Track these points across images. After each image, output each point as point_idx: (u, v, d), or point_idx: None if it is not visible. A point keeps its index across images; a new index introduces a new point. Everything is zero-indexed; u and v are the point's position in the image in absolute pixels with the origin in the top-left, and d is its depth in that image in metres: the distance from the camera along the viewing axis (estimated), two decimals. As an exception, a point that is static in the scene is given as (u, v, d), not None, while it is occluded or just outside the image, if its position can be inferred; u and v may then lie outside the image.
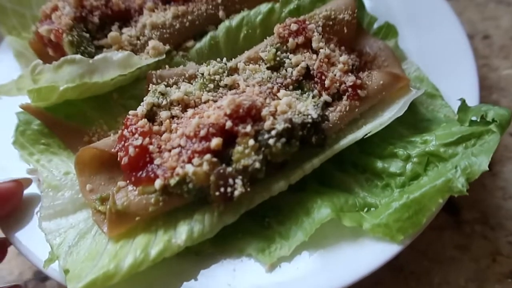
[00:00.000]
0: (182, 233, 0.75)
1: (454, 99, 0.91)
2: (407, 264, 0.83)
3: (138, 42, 0.92)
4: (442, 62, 0.98)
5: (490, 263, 0.84)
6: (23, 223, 0.81)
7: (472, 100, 0.88)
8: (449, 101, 0.92)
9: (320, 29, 0.89)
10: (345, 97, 0.85)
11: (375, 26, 1.01)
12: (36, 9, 1.02)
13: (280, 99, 0.81)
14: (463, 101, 0.83)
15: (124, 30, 0.93)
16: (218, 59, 0.88)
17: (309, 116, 0.78)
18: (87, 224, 0.78)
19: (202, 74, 0.85)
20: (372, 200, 0.81)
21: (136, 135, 0.77)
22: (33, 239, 0.79)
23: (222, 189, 0.73)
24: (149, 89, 0.84)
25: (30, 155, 0.86)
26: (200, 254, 0.78)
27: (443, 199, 0.75)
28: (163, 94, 0.82)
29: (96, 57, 0.87)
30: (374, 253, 0.75)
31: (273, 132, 0.75)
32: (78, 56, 0.86)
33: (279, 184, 0.79)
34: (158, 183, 0.74)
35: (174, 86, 0.86)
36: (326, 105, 0.85)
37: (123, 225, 0.74)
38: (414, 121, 0.89)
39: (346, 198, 0.81)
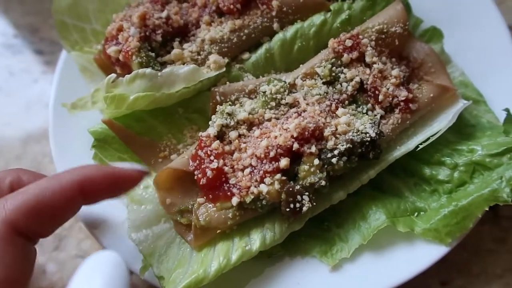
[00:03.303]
0: (256, 240, 0.85)
1: (496, 103, 0.97)
2: (449, 256, 0.92)
3: (199, 57, 0.98)
4: (484, 64, 1.02)
5: (525, 254, 0.95)
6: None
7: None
8: (491, 104, 0.98)
9: (373, 43, 0.93)
10: (397, 110, 0.91)
11: (421, 28, 1.05)
12: (95, 23, 1.07)
13: (339, 117, 0.88)
14: (508, 112, 0.89)
15: (185, 45, 0.98)
16: (278, 77, 0.94)
17: (368, 135, 0.85)
18: (171, 234, 0.89)
19: (264, 92, 0.92)
20: (421, 205, 0.91)
21: (212, 157, 0.85)
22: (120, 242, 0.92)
23: (291, 205, 0.83)
24: (216, 109, 0.91)
25: (110, 169, 0.95)
26: (271, 256, 0.89)
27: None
28: (230, 115, 0.90)
29: (163, 71, 0.93)
30: (425, 254, 0.86)
31: (336, 152, 0.84)
32: (148, 70, 0.91)
33: (338, 194, 0.89)
34: (235, 201, 0.84)
35: (238, 104, 0.93)
36: (379, 117, 0.92)
37: (206, 237, 0.85)
38: (459, 126, 0.95)
39: (398, 203, 0.90)
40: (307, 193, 0.83)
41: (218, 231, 0.85)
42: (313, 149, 0.84)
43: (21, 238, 0.69)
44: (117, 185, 0.80)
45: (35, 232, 0.72)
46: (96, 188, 0.77)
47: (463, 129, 0.96)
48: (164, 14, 0.98)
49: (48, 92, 1.09)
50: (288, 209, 0.83)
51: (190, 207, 0.88)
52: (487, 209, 0.84)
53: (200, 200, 0.86)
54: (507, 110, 0.90)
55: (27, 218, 0.69)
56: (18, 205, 0.69)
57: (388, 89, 0.91)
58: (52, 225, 0.75)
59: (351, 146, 0.84)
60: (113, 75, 0.92)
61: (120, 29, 0.96)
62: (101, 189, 0.78)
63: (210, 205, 0.85)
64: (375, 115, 0.90)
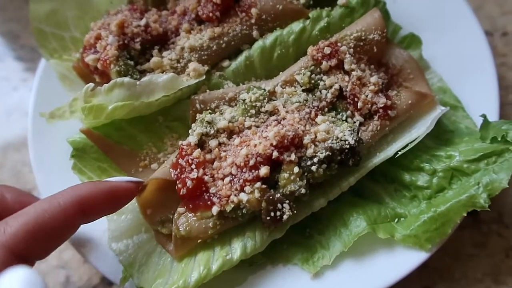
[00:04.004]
0: (237, 249, 0.85)
1: (473, 109, 0.99)
2: (431, 261, 0.93)
3: (179, 65, 0.97)
4: (462, 69, 1.03)
5: (504, 258, 0.96)
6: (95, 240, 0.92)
7: (492, 112, 0.95)
8: (468, 109, 0.99)
9: (351, 50, 0.94)
10: (376, 117, 0.92)
11: (400, 34, 1.06)
12: (74, 31, 1.06)
13: (319, 124, 0.88)
14: (485, 118, 0.91)
15: (164, 53, 0.98)
16: (257, 84, 0.94)
17: (347, 142, 0.85)
18: (151, 244, 0.89)
19: (244, 100, 0.91)
20: (401, 211, 0.91)
21: (193, 166, 0.85)
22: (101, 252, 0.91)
23: (272, 213, 0.83)
24: (196, 117, 0.91)
25: (89, 179, 0.94)
26: (252, 264, 0.89)
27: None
28: (210, 123, 0.89)
29: (142, 80, 0.92)
30: (405, 260, 0.86)
31: (315, 160, 0.84)
32: (127, 79, 0.91)
33: (319, 201, 0.89)
34: (215, 210, 0.83)
35: (218, 112, 0.93)
36: (359, 124, 0.92)
37: (187, 247, 0.85)
38: (438, 132, 0.96)
39: (378, 209, 0.90)
40: (287, 201, 0.83)
41: (199, 241, 0.85)
42: (293, 157, 0.84)
43: (20, 262, 0.68)
44: (115, 200, 0.80)
45: (35, 255, 0.72)
46: (95, 206, 0.77)
47: (441, 135, 0.97)
48: (143, 22, 0.98)
49: (28, 99, 1.08)
50: (268, 218, 0.83)
51: (170, 216, 0.88)
52: (465, 214, 0.85)
53: (180, 209, 0.86)
54: (483, 116, 0.91)
55: (26, 242, 0.69)
56: (18, 228, 0.69)
57: (367, 96, 0.92)
58: (51, 247, 0.75)
59: (330, 153, 0.84)
60: (91, 85, 0.92)
61: (98, 38, 0.96)
62: (100, 206, 0.78)
63: (191, 215, 0.85)
64: (354, 122, 0.91)
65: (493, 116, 0.95)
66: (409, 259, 0.86)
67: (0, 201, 0.79)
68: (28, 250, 0.69)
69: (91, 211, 0.77)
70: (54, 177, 0.99)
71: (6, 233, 0.68)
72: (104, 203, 0.78)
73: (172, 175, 0.87)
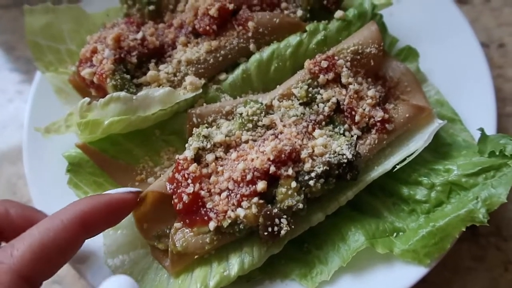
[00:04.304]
0: (234, 265, 0.84)
1: (471, 122, 0.98)
2: (429, 275, 0.92)
3: (175, 78, 0.97)
4: (459, 82, 1.04)
5: (503, 272, 0.95)
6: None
7: (490, 124, 0.95)
8: (466, 122, 0.99)
9: (348, 64, 0.94)
10: (373, 131, 0.92)
11: (397, 47, 1.06)
12: (70, 44, 1.05)
13: (316, 139, 0.88)
14: (482, 132, 0.90)
15: (161, 67, 0.98)
16: (255, 98, 0.94)
17: (344, 156, 0.85)
18: (148, 260, 0.88)
19: (241, 114, 0.91)
20: (399, 225, 0.91)
21: (189, 181, 0.84)
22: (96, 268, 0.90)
23: (269, 229, 0.82)
24: (193, 131, 0.91)
25: (85, 194, 0.94)
26: (250, 280, 0.88)
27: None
28: (206, 137, 0.89)
29: (139, 94, 0.92)
30: (405, 275, 0.86)
31: (313, 174, 0.83)
32: (123, 94, 0.90)
33: (317, 215, 0.89)
34: (212, 225, 0.82)
35: (215, 126, 0.93)
36: (356, 138, 0.92)
37: (183, 262, 0.84)
38: (436, 145, 0.96)
39: (377, 223, 0.90)
40: (285, 216, 0.83)
41: (196, 256, 0.84)
42: (290, 171, 0.83)
43: (28, 285, 0.68)
44: (116, 213, 0.80)
45: (41, 276, 0.72)
46: (97, 220, 0.77)
47: (439, 148, 0.96)
48: (139, 35, 0.97)
49: (23, 111, 1.07)
50: (266, 233, 0.82)
51: (167, 231, 0.87)
52: (464, 229, 0.84)
53: (177, 225, 0.85)
54: (481, 129, 0.90)
55: (34, 265, 0.69)
56: (24, 251, 0.69)
57: (364, 109, 0.91)
58: (57, 267, 0.74)
59: (328, 168, 0.83)
60: (87, 99, 0.91)
61: (94, 51, 0.95)
62: (102, 220, 0.78)
63: (187, 230, 0.84)
64: (352, 136, 0.90)
65: (490, 128, 0.95)
66: (408, 274, 0.86)
67: (5, 217, 0.79)
68: (35, 272, 0.69)
69: (93, 226, 0.77)
70: (49, 191, 0.98)
71: (14, 257, 0.68)
72: (105, 216, 0.78)
73: (168, 189, 0.86)
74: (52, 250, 0.70)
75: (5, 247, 0.69)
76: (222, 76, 1.00)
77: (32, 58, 1.04)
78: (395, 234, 0.89)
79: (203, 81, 0.97)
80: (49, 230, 0.71)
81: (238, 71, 0.99)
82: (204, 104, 0.97)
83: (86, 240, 0.79)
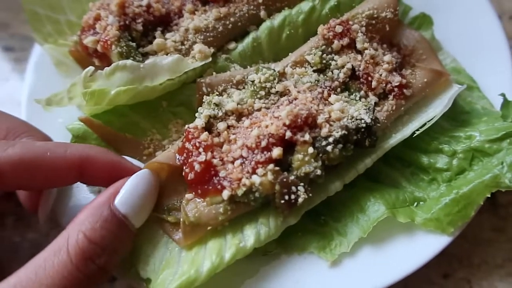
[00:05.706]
0: (250, 236, 0.80)
1: (488, 89, 0.95)
2: (449, 247, 0.89)
3: (183, 47, 0.93)
4: (475, 50, 1.00)
5: (524, 242, 0.92)
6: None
7: (508, 91, 0.92)
8: (483, 90, 0.96)
9: (363, 29, 0.90)
10: (391, 97, 0.88)
11: (410, 15, 1.03)
12: (70, 15, 1.00)
13: (332, 104, 0.84)
14: (504, 97, 0.87)
15: (168, 35, 0.93)
16: (266, 65, 0.90)
17: (363, 121, 0.81)
18: (157, 234, 0.83)
19: (253, 81, 0.87)
20: (420, 194, 0.87)
21: (200, 149, 0.80)
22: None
23: (286, 197, 0.78)
24: (203, 100, 0.86)
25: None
26: (266, 254, 0.84)
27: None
28: (217, 105, 0.85)
29: (146, 62, 0.87)
30: (426, 245, 0.82)
31: (331, 139, 0.79)
32: (129, 62, 0.86)
33: (334, 184, 0.85)
34: (226, 194, 0.78)
35: (225, 95, 0.89)
36: (373, 104, 0.88)
37: (196, 234, 0.79)
38: (454, 113, 0.93)
39: (397, 193, 0.86)
40: (302, 184, 0.78)
41: (209, 228, 0.79)
42: (307, 137, 0.79)
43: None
44: (116, 176, 0.78)
45: (20, 187, 0.77)
46: (95, 171, 0.78)
47: (458, 116, 0.93)
48: (144, 1, 0.93)
49: (19, 90, 1.03)
50: (283, 201, 0.78)
51: (177, 204, 0.83)
52: (489, 195, 0.81)
53: (188, 195, 0.80)
54: (503, 95, 0.88)
55: (14, 169, 0.72)
56: (17, 153, 0.72)
57: (381, 75, 0.88)
58: (37, 184, 0.77)
59: (346, 133, 0.80)
60: (91, 68, 0.86)
61: (97, 18, 0.91)
62: (99, 174, 0.79)
63: (200, 200, 0.80)
64: (369, 102, 0.87)
65: (509, 95, 0.92)
66: (430, 244, 0.82)
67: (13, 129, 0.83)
68: (13, 178, 0.73)
69: (87, 174, 0.78)
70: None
71: (5, 152, 0.71)
72: (103, 173, 0.79)
73: (178, 161, 0.82)
74: (39, 166, 0.73)
75: None
76: (232, 45, 0.96)
77: (28, 36, 0.99)
78: (415, 204, 0.86)
79: (212, 49, 0.93)
80: (49, 150, 0.74)
81: (248, 40, 0.95)
82: (214, 73, 0.93)
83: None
